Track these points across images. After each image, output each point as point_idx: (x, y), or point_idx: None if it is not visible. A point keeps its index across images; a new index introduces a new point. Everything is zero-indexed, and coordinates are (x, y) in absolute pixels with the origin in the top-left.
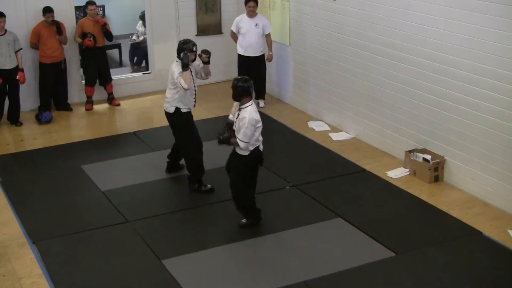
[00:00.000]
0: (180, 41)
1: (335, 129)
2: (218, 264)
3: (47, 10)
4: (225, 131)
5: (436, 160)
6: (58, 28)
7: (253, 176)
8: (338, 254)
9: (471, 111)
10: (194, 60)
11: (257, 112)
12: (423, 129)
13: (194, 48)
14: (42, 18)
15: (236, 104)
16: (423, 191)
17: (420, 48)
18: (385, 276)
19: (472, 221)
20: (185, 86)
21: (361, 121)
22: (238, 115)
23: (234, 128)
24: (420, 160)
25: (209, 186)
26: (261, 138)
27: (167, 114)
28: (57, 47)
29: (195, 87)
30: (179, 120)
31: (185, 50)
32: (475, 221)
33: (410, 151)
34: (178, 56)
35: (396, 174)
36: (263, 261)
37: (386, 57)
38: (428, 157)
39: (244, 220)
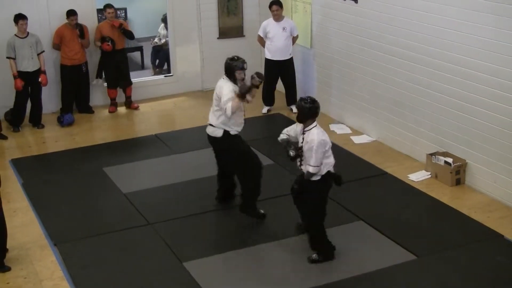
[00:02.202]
0: (228, 58)
1: (356, 132)
2: (239, 267)
3: (71, 13)
4: (291, 149)
5: (458, 163)
6: (81, 31)
7: (325, 205)
8: (359, 257)
9: (493, 114)
10: (244, 78)
11: (324, 133)
12: (445, 132)
13: (245, 66)
14: (65, 20)
15: (295, 125)
16: (444, 194)
17: (443, 51)
18: (406, 279)
19: (494, 224)
20: (229, 114)
21: (382, 124)
22: (303, 138)
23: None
24: (442, 163)
25: (261, 211)
26: (332, 161)
27: (214, 139)
28: (79, 50)
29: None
30: (230, 144)
31: (236, 68)
32: (496, 224)
33: (431, 154)
34: (227, 74)
35: (417, 177)
36: (284, 264)
37: (408, 60)
38: (450, 160)
39: (314, 256)
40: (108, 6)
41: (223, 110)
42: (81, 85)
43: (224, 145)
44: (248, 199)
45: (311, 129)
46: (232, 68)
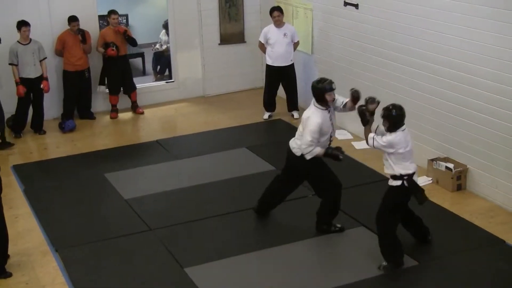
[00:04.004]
0: (314, 82)
1: (358, 138)
2: (241, 272)
3: (73, 19)
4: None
5: (459, 169)
6: (83, 37)
7: (399, 211)
8: (360, 262)
9: (494, 120)
10: (334, 99)
11: (404, 136)
12: (446, 138)
13: (333, 86)
14: (67, 27)
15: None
16: (445, 200)
17: (443, 57)
18: (408, 285)
19: (495, 230)
20: (307, 157)
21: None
22: None
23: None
24: (443, 168)
25: (338, 226)
26: (412, 166)
27: (292, 155)
28: (81, 55)
29: (331, 134)
30: (308, 165)
31: (325, 91)
32: (498, 229)
33: (432, 160)
34: (317, 99)
35: (418, 182)
36: (286, 269)
37: (409, 65)
38: (451, 165)
39: (384, 263)
40: (112, 12)
41: (303, 144)
42: (83, 91)
43: (303, 165)
44: (324, 217)
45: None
46: (321, 91)
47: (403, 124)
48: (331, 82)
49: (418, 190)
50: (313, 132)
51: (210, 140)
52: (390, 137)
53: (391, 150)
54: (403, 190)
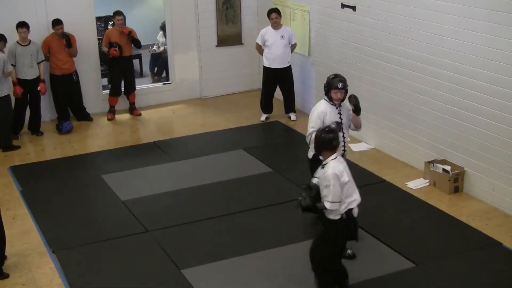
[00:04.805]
0: (329, 76)
1: (355, 140)
2: (238, 274)
3: (56, 23)
4: (307, 194)
5: (456, 171)
6: (68, 40)
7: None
8: (358, 264)
9: (491, 122)
10: (340, 99)
11: (343, 165)
12: (443, 140)
13: (340, 85)
14: (51, 30)
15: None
16: (443, 202)
17: (440, 59)
18: (405, 287)
19: (492, 232)
20: (308, 142)
21: (381, 131)
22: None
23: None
24: (440, 171)
25: (349, 252)
26: (357, 198)
27: (307, 158)
28: (67, 59)
29: (344, 135)
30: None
31: (331, 87)
32: (495, 232)
33: (430, 162)
34: (325, 93)
35: (416, 185)
36: (283, 271)
37: (406, 67)
38: (448, 168)
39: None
40: (117, 13)
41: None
42: (73, 94)
43: (312, 167)
44: None
45: (328, 163)
46: (329, 86)
47: (332, 151)
48: (341, 81)
49: (354, 225)
50: (312, 121)
51: (207, 142)
52: (329, 170)
53: (343, 181)
54: (343, 224)
